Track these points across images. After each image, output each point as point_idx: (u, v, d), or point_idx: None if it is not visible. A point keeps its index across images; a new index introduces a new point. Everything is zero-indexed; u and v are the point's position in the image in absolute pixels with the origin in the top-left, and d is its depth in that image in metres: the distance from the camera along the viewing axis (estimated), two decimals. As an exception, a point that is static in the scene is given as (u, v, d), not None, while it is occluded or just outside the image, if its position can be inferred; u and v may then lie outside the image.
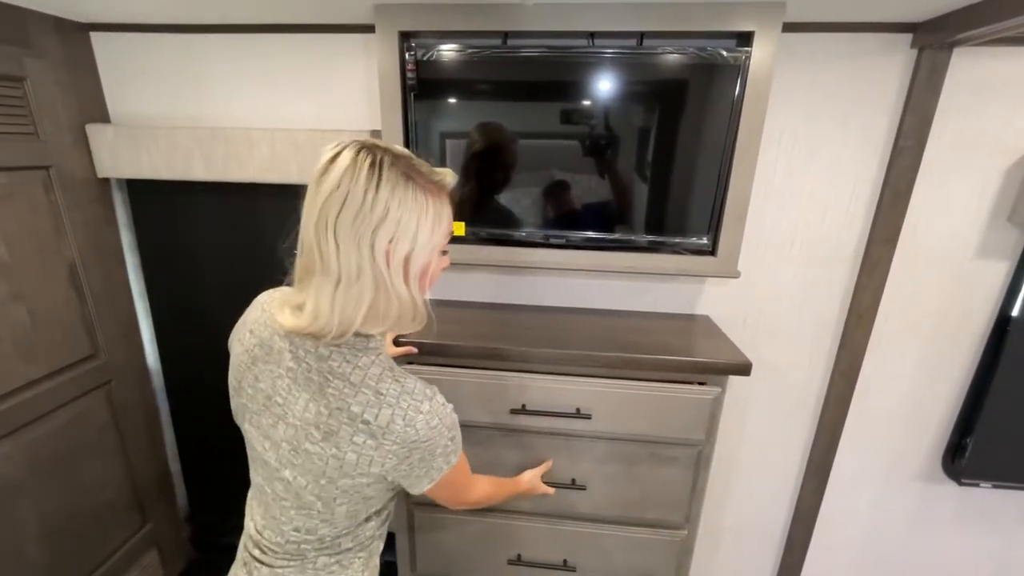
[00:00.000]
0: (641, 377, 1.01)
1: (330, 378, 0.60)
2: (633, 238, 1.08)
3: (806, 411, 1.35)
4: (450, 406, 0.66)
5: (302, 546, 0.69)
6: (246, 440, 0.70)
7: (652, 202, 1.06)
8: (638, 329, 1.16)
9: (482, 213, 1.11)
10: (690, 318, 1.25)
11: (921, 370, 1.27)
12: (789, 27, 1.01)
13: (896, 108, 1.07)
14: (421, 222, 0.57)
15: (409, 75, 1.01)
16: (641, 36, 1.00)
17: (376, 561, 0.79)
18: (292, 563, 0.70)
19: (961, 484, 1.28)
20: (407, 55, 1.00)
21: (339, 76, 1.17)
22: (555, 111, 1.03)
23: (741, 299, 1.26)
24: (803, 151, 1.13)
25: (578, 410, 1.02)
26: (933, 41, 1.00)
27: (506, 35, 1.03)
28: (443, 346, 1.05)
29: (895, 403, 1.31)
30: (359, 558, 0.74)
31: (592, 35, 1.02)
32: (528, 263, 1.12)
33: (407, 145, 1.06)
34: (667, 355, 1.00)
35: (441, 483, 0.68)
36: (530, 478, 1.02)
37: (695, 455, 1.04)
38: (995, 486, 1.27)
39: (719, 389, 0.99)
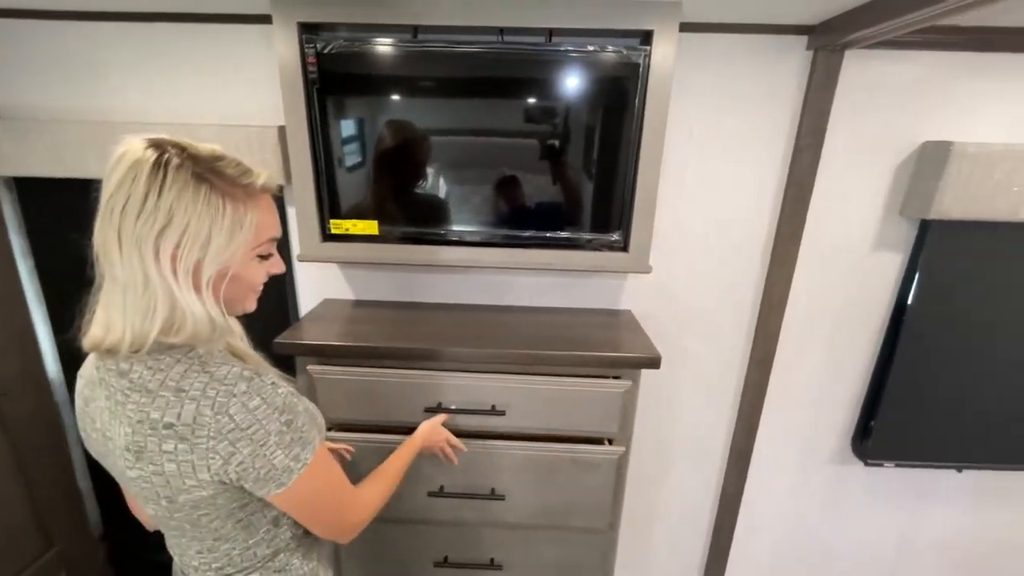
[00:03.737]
0: (555, 372, 1.02)
1: (129, 393, 0.56)
2: (548, 235, 1.09)
3: (727, 399, 1.39)
4: (285, 388, 0.59)
5: (223, 568, 0.66)
6: None
7: (565, 199, 1.07)
8: (559, 325, 1.17)
9: (394, 211, 1.09)
10: (613, 313, 1.27)
11: (830, 357, 1.33)
12: (689, 27, 1.03)
13: (796, 107, 1.12)
14: (215, 228, 0.55)
15: (310, 68, 0.98)
16: (550, 33, 1.00)
17: (323, 551, 0.76)
18: None
19: (867, 465, 1.36)
20: (307, 48, 0.96)
21: (242, 69, 1.12)
22: (464, 108, 1.02)
23: (661, 292, 1.28)
24: (713, 148, 1.16)
25: (493, 407, 1.02)
26: (826, 43, 1.04)
27: (416, 29, 1.01)
28: (354, 347, 1.02)
29: (808, 389, 1.37)
30: (296, 559, 0.69)
31: (502, 31, 1.01)
32: (441, 261, 1.11)
33: (313, 141, 1.03)
34: (577, 351, 1.01)
35: (299, 492, 0.60)
36: (427, 431, 0.94)
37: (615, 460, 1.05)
38: (897, 465, 1.36)
39: (630, 382, 1.01)
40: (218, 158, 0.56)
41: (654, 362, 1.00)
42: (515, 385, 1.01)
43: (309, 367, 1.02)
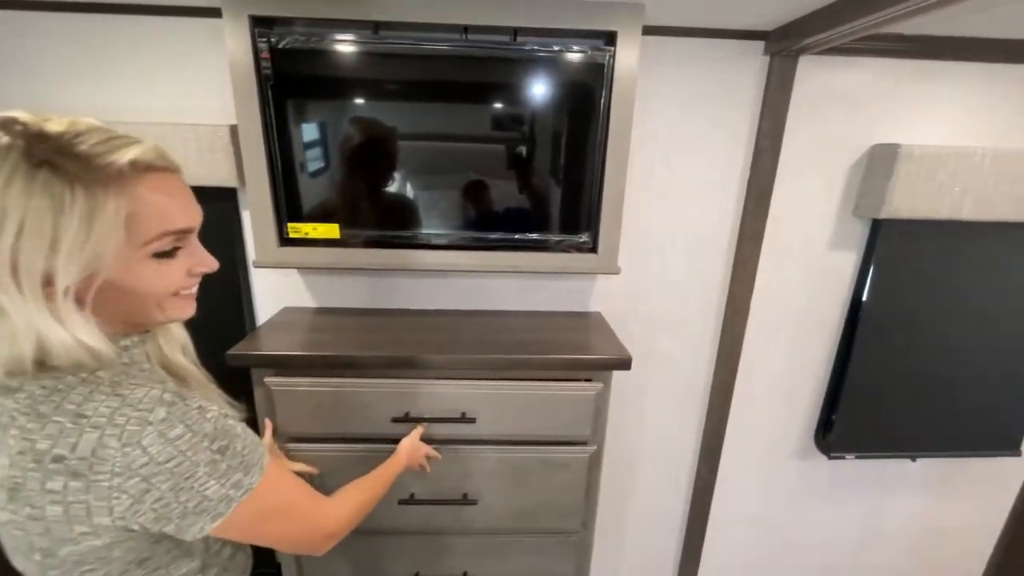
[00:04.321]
0: (525, 377, 1.00)
1: (16, 416, 0.46)
2: (517, 237, 1.07)
3: (696, 398, 1.41)
4: (215, 411, 0.51)
5: None
6: None
7: (533, 201, 1.05)
8: (529, 329, 1.15)
9: (357, 214, 1.05)
10: (583, 315, 1.26)
11: (793, 354, 1.37)
12: (652, 30, 1.04)
13: (755, 111, 1.15)
14: (61, 224, 0.43)
15: (264, 64, 0.93)
16: (515, 32, 0.99)
17: None
18: None
19: (830, 458, 1.40)
20: (260, 42, 0.92)
21: (193, 65, 1.06)
22: (427, 108, 1.00)
23: (630, 293, 1.29)
24: (678, 150, 1.17)
25: (463, 415, 0.99)
26: (781, 48, 1.07)
27: (377, 25, 0.98)
28: (315, 357, 0.97)
29: (772, 386, 1.40)
30: None
31: (466, 29, 0.99)
32: (406, 265, 1.07)
33: (268, 140, 0.98)
34: (547, 354, 0.99)
35: (244, 518, 0.52)
36: (408, 448, 0.92)
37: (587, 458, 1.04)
38: (858, 457, 1.40)
39: (601, 385, 1.00)
40: (73, 134, 0.45)
41: (624, 363, 1.00)
42: (485, 392, 0.98)
43: (267, 379, 0.96)
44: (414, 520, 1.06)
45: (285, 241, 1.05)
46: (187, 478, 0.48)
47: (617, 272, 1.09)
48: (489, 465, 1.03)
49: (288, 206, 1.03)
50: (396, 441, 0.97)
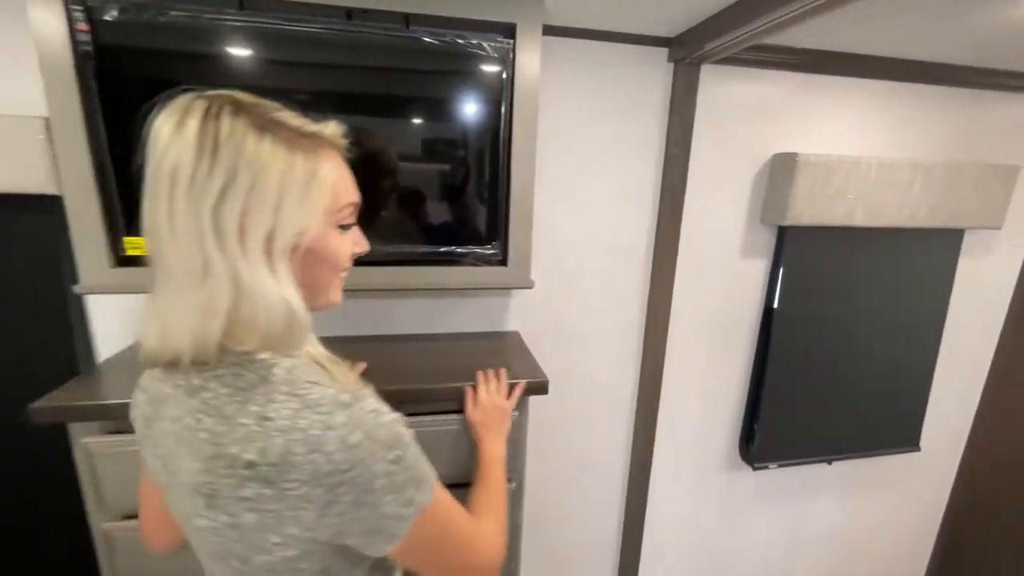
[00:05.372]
0: (430, 411, 0.86)
1: (201, 418, 0.46)
2: (417, 249, 0.94)
3: (623, 416, 1.34)
4: (390, 414, 0.48)
5: None
6: None
7: (433, 209, 0.94)
8: (438, 354, 1.02)
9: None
10: (499, 336, 1.15)
11: (713, 366, 1.34)
12: (556, 31, 0.99)
13: (664, 118, 1.13)
14: (285, 185, 0.44)
15: (82, 40, 0.74)
16: (407, 19, 0.89)
17: None
18: None
19: (755, 469, 1.38)
20: (75, 11, 0.73)
21: (-8, 40, 0.84)
22: (299, 100, 0.86)
23: (548, 311, 1.20)
24: (588, 157, 1.12)
25: (355, 462, 0.82)
26: (683, 56, 1.06)
27: (241, 1, 0.83)
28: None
29: (696, 399, 1.36)
30: None
31: (350, 13, 0.87)
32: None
33: (90, 136, 0.78)
34: (454, 382, 0.86)
35: (416, 542, 0.49)
36: (486, 420, 0.83)
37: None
38: (780, 465, 1.40)
39: (517, 413, 0.89)
40: (277, 107, 0.48)
41: (541, 387, 0.90)
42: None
43: (85, 439, 0.74)
44: None
45: (122, 260, 0.84)
46: (366, 491, 0.45)
47: (530, 286, 1.00)
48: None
49: (126, 216, 0.83)
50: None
